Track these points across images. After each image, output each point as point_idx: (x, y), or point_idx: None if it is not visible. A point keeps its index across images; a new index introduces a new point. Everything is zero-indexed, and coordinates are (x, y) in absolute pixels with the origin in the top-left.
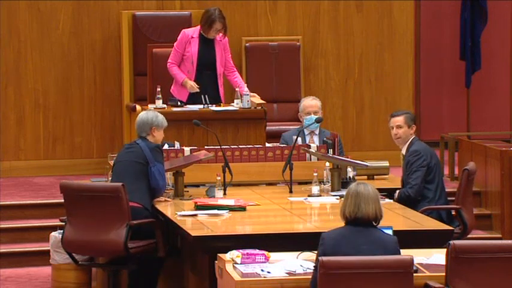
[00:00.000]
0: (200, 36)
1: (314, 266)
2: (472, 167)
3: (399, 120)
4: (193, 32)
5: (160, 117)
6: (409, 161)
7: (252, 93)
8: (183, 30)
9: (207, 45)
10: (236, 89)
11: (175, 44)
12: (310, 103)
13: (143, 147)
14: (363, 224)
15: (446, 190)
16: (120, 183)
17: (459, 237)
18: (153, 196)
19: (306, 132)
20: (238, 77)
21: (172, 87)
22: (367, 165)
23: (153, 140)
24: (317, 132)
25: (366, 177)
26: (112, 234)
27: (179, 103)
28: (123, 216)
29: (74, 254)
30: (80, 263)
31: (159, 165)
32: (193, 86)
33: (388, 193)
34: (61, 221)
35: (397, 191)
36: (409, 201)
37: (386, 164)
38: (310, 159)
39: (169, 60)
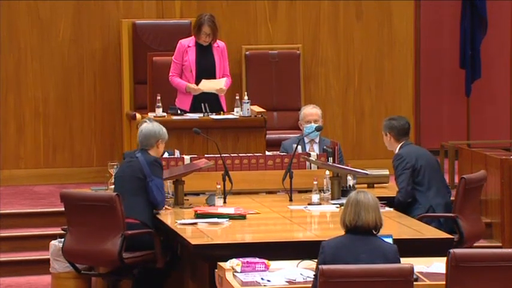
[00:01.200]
0: (197, 45)
1: (314, 275)
2: (479, 175)
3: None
4: (190, 41)
5: (164, 129)
6: (393, 166)
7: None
8: (180, 40)
9: (204, 53)
10: (236, 97)
11: (173, 56)
12: (310, 111)
13: (142, 161)
14: (363, 233)
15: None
16: (115, 193)
17: (455, 246)
18: (153, 210)
19: (306, 140)
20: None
21: (176, 100)
22: (367, 174)
23: (156, 153)
24: (317, 140)
25: (366, 185)
26: (107, 244)
27: (179, 111)
28: (118, 226)
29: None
30: (82, 272)
31: (157, 180)
32: (195, 88)
33: (388, 201)
34: (62, 229)
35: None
36: (401, 205)
37: (386, 172)
38: (310, 168)
39: (170, 74)
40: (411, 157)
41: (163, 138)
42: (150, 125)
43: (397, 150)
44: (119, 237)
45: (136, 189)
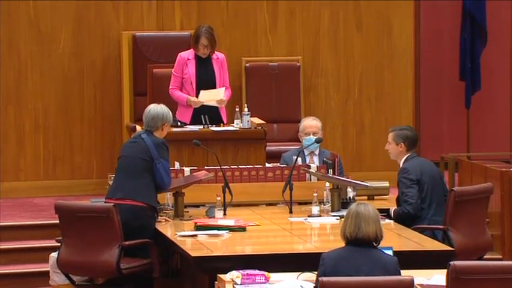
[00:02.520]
0: (196, 57)
1: (314, 287)
2: (477, 188)
3: (389, 136)
4: (189, 53)
5: (170, 113)
6: (398, 179)
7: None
8: (179, 53)
9: (204, 65)
10: (236, 109)
11: (173, 69)
12: (310, 123)
13: (148, 142)
14: (363, 245)
15: None
16: (112, 204)
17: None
18: (157, 192)
19: (306, 152)
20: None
21: (177, 112)
22: (367, 186)
23: (160, 135)
24: (317, 152)
25: (366, 197)
26: (105, 255)
27: (179, 124)
28: (115, 236)
29: (70, 275)
30: (76, 283)
31: (164, 162)
32: (196, 101)
33: (388, 213)
34: (57, 241)
35: (393, 209)
36: (409, 218)
37: (386, 184)
38: (310, 180)
39: (170, 87)
40: (416, 171)
41: (169, 121)
42: (158, 107)
43: (402, 162)
44: (117, 247)
45: (141, 171)
